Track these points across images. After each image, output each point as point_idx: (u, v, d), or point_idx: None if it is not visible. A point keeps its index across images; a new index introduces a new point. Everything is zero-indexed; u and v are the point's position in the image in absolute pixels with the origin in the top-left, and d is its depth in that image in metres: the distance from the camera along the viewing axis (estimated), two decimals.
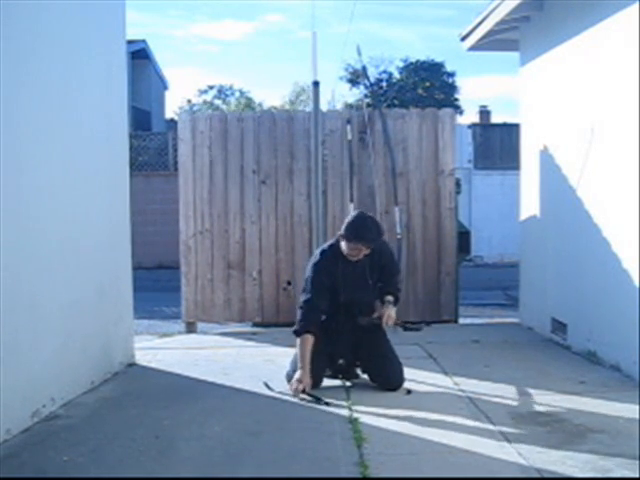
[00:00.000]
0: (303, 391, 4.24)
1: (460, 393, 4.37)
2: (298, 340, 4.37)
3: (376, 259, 4.54)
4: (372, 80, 24.45)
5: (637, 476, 3.00)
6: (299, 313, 4.44)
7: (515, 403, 4.14)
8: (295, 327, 4.42)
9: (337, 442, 3.46)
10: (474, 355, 5.48)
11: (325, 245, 4.67)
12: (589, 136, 5.26)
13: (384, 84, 26.47)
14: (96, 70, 4.78)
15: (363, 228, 4.34)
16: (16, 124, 3.64)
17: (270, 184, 7.04)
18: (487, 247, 17.06)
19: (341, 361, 4.61)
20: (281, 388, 4.43)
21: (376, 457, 3.22)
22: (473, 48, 7.24)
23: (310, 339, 4.34)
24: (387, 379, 4.46)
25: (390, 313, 4.49)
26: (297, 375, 4.30)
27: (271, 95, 63.64)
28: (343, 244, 4.40)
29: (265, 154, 7.03)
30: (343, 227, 4.40)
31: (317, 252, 4.62)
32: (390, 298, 4.55)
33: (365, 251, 4.37)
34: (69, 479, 3.07)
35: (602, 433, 3.56)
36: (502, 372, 4.87)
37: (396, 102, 22.53)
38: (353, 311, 4.52)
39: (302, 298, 4.47)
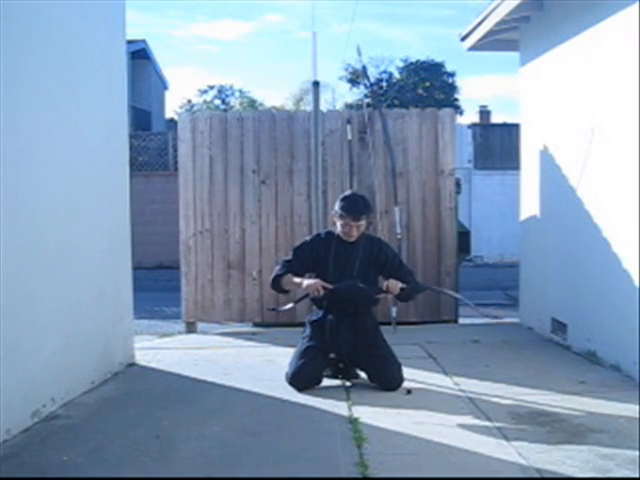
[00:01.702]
0: (323, 288, 4.40)
1: (460, 393, 4.37)
2: (282, 281, 4.56)
3: (375, 254, 4.58)
4: (372, 80, 24.45)
5: (637, 476, 3.00)
6: (276, 269, 4.66)
7: (515, 403, 4.14)
8: (271, 277, 4.63)
9: (337, 442, 3.46)
10: (474, 355, 5.48)
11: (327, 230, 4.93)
12: (589, 136, 5.26)
13: (384, 84, 26.49)
14: (96, 70, 4.78)
15: (349, 202, 4.51)
16: (16, 124, 3.64)
17: (270, 184, 7.04)
18: (487, 247, 17.05)
19: (337, 361, 4.60)
20: (282, 388, 4.43)
21: (376, 457, 3.22)
22: (473, 48, 7.24)
23: (290, 275, 4.55)
24: (386, 379, 4.46)
25: (394, 281, 4.42)
26: (306, 284, 4.45)
27: (271, 95, 63.64)
28: (337, 223, 4.55)
29: (265, 154, 7.03)
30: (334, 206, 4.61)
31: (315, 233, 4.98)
32: (402, 284, 4.46)
33: (355, 228, 4.48)
34: (69, 479, 3.07)
35: (602, 433, 3.56)
36: (502, 372, 4.87)
37: (396, 102, 22.56)
38: (345, 308, 4.52)
39: (282, 259, 4.79)
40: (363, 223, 4.53)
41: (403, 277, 4.54)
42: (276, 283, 4.60)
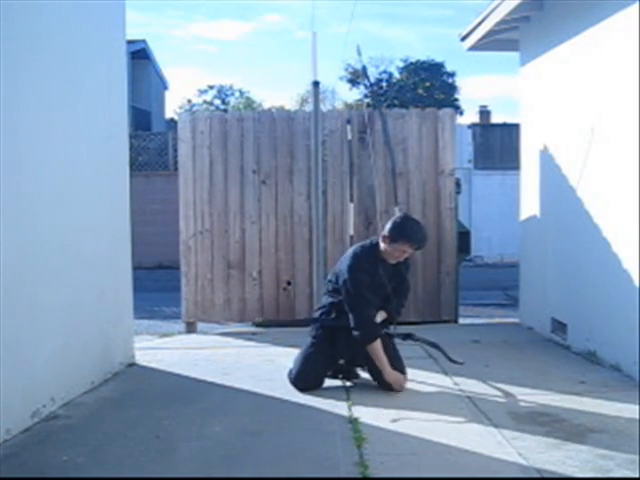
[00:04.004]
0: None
1: (460, 393, 4.37)
2: (374, 345, 4.31)
3: (399, 267, 4.53)
4: (372, 80, 24.47)
5: (637, 476, 3.00)
6: (360, 316, 4.29)
7: (515, 403, 4.14)
8: (369, 336, 4.30)
9: (337, 442, 3.46)
10: (474, 355, 5.47)
11: (365, 244, 4.53)
12: (589, 136, 5.26)
13: (384, 84, 26.50)
14: (96, 70, 4.78)
15: (413, 229, 4.35)
16: (16, 124, 3.64)
17: (270, 184, 7.04)
18: (487, 247, 17.05)
19: (341, 361, 4.58)
20: (282, 388, 4.43)
21: (376, 457, 3.22)
22: (473, 48, 7.24)
23: (379, 342, 4.33)
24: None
25: None
26: (391, 378, 4.35)
27: (271, 95, 63.65)
28: (385, 246, 4.35)
29: (265, 154, 7.03)
30: (388, 228, 4.34)
31: (357, 250, 4.44)
32: (382, 313, 4.50)
33: (408, 253, 4.38)
34: (69, 479, 3.07)
35: (602, 433, 3.56)
36: (502, 372, 4.87)
37: (396, 102, 22.56)
38: None
39: (355, 304, 4.31)
40: None
41: (397, 294, 4.56)
42: (371, 341, 4.33)
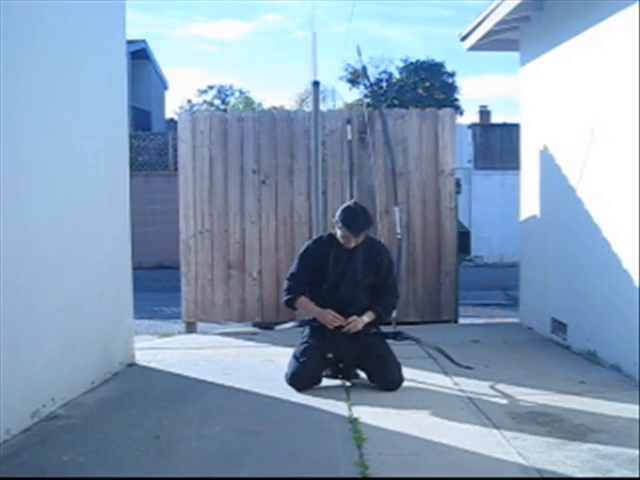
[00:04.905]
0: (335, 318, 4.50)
1: (460, 393, 4.37)
2: (296, 304, 4.66)
3: (372, 257, 4.61)
4: (372, 80, 24.46)
5: (637, 476, 3.00)
6: (286, 284, 4.71)
7: (515, 403, 4.14)
8: (285, 298, 4.68)
9: (337, 442, 3.46)
10: (474, 355, 5.47)
11: (325, 233, 5.00)
12: (589, 136, 5.26)
13: (384, 84, 26.51)
14: (96, 70, 4.78)
15: (351, 217, 4.50)
16: (16, 124, 3.64)
17: (270, 184, 7.04)
18: (487, 247, 17.05)
19: (334, 359, 4.58)
20: (282, 388, 4.43)
21: (376, 457, 3.22)
22: (473, 48, 7.25)
23: (305, 299, 4.63)
24: (385, 379, 4.46)
25: (355, 320, 4.48)
26: (321, 317, 4.52)
27: (271, 95, 63.68)
28: (337, 231, 4.56)
29: (265, 154, 7.03)
30: (336, 213, 4.61)
31: (314, 237, 5.10)
32: (370, 314, 4.57)
33: (354, 241, 4.50)
34: (69, 479, 3.07)
35: (602, 433, 3.56)
36: (502, 372, 4.87)
37: (396, 102, 22.58)
38: (346, 311, 4.51)
39: (289, 271, 4.77)
40: (363, 237, 4.55)
41: (382, 291, 4.64)
42: (290, 304, 4.69)
